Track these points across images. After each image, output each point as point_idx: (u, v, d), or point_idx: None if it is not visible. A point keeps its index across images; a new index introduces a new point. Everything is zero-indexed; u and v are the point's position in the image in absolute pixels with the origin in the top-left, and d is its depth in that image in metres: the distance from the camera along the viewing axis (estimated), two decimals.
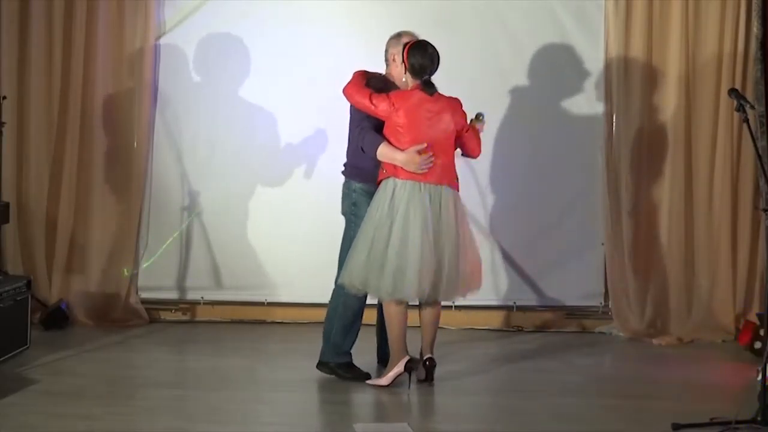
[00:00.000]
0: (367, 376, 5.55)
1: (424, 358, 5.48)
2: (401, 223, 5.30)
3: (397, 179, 5.34)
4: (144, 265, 6.81)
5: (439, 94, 5.42)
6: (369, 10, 6.77)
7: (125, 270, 6.69)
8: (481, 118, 5.63)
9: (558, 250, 6.86)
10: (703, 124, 6.75)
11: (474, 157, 5.67)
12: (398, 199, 5.33)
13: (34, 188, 6.76)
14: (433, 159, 5.33)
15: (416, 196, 5.32)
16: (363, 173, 5.52)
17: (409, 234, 5.28)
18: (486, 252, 6.84)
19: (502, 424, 4.97)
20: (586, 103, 6.85)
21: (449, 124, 5.41)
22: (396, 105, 5.34)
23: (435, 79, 5.45)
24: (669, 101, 6.76)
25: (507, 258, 6.88)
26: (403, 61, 5.42)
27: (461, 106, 5.48)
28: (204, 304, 6.96)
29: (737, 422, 4.73)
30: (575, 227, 6.88)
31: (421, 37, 5.53)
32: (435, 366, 5.47)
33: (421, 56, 5.38)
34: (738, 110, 5.05)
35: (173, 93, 6.85)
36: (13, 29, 6.68)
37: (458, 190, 5.47)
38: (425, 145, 5.32)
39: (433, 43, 5.44)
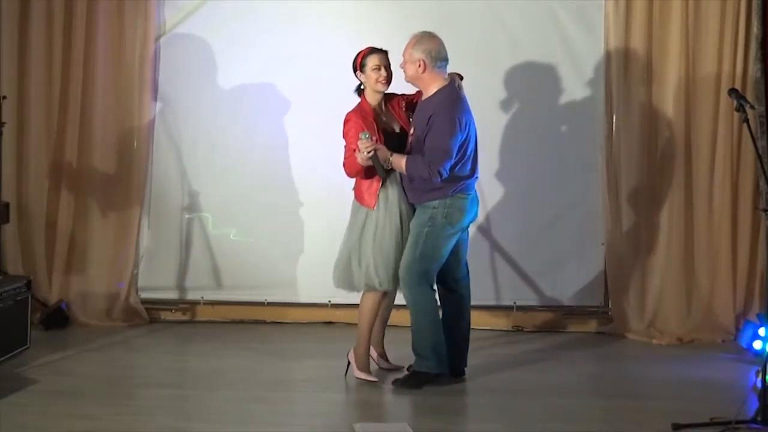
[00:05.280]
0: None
1: None
2: None
3: None
4: None
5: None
6: (369, 10, 6.77)
7: None
8: (362, 137, 5.32)
9: (558, 250, 6.86)
10: (703, 124, 6.74)
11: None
12: None
13: (34, 188, 6.76)
14: None
15: None
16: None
17: None
18: (486, 252, 6.86)
19: (502, 424, 4.97)
20: (586, 102, 6.85)
21: None
22: None
23: None
24: (669, 101, 6.76)
25: (507, 258, 6.88)
26: None
27: (345, 123, 5.48)
28: (204, 304, 6.96)
29: (737, 422, 4.74)
30: (575, 227, 6.88)
31: None
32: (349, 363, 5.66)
33: None
34: (738, 110, 5.06)
35: (173, 93, 6.85)
36: (13, 29, 6.69)
37: (360, 202, 5.50)
38: None
39: None
